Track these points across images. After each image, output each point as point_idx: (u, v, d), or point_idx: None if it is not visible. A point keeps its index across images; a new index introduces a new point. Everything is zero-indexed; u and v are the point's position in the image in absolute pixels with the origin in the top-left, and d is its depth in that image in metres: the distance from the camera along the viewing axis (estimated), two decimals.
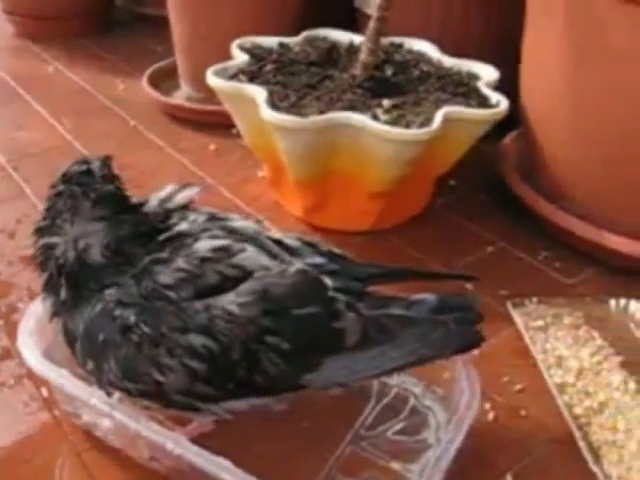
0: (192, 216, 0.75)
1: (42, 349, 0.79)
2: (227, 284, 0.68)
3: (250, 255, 0.71)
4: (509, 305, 0.98)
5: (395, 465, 0.76)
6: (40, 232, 0.73)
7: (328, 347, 0.69)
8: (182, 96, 1.61)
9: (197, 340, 0.66)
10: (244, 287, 0.68)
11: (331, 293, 0.70)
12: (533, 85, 1.14)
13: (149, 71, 1.64)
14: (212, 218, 0.76)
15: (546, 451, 0.80)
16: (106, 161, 0.72)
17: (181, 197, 0.76)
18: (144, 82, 1.60)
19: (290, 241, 0.76)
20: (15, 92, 1.70)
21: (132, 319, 0.67)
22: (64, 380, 0.75)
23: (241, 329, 0.67)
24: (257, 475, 0.66)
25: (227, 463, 0.66)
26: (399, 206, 1.15)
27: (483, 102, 1.09)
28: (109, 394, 0.73)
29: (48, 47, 1.96)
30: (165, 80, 1.65)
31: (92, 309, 0.69)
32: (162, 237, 0.71)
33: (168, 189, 0.77)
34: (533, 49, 1.12)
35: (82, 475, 0.77)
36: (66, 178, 0.72)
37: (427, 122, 0.99)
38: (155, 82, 1.61)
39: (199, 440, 0.72)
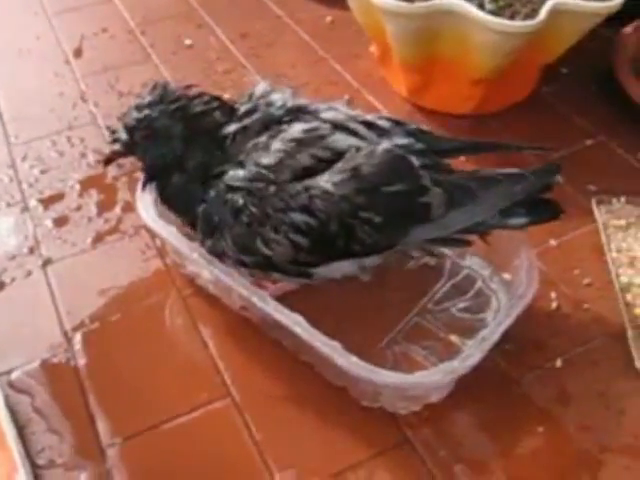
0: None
1: (157, 208, 0.88)
2: (320, 165, 0.75)
3: (340, 137, 0.77)
4: (593, 201, 1.00)
5: (453, 338, 0.84)
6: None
7: (416, 219, 0.76)
8: None
9: (298, 218, 0.74)
10: (336, 167, 0.74)
11: (417, 170, 0.75)
12: None
13: None
14: (302, 111, 0.80)
15: (599, 345, 0.84)
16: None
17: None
18: None
19: (381, 122, 0.80)
20: None
21: (240, 202, 0.75)
22: (172, 237, 0.86)
23: (337, 206, 0.73)
24: (330, 332, 0.75)
25: (300, 318, 0.76)
26: (503, 92, 1.16)
27: None
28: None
29: None
30: None
31: (207, 195, 0.78)
32: (254, 117, 0.79)
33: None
34: None
35: (185, 316, 0.89)
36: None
37: (533, 13, 0.98)
38: None
39: (284, 298, 0.82)
